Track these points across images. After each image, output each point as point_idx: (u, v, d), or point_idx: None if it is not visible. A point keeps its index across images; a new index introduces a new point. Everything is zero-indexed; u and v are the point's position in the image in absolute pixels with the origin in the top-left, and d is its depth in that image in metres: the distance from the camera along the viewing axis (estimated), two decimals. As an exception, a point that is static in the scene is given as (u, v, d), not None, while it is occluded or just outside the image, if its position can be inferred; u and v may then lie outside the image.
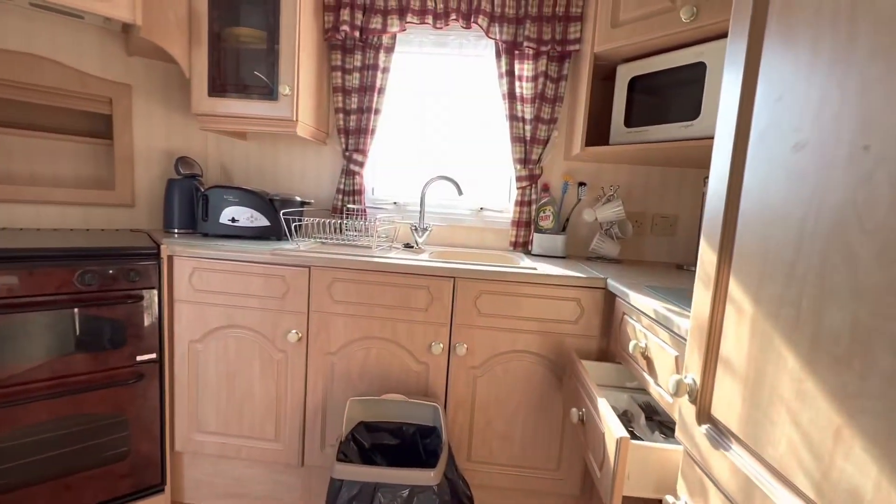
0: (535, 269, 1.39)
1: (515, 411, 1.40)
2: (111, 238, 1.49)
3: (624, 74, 1.53)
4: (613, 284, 1.26)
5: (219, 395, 1.46)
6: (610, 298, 1.34)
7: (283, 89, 1.58)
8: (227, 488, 1.53)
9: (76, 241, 1.35)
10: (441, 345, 1.37)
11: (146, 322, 1.38)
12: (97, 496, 1.36)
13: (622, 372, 1.26)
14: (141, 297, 1.36)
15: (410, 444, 1.37)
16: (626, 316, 1.19)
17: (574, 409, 1.08)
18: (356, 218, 1.87)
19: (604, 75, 1.69)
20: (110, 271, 1.30)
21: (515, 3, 1.71)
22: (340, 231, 1.83)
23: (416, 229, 1.79)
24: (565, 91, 1.79)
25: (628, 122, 1.52)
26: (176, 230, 1.75)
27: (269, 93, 1.61)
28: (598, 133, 1.67)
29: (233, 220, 1.63)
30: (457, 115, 1.95)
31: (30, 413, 1.23)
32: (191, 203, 1.74)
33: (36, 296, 1.20)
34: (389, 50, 1.81)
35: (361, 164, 1.87)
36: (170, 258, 1.41)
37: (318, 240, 1.76)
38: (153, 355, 1.41)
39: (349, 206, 1.88)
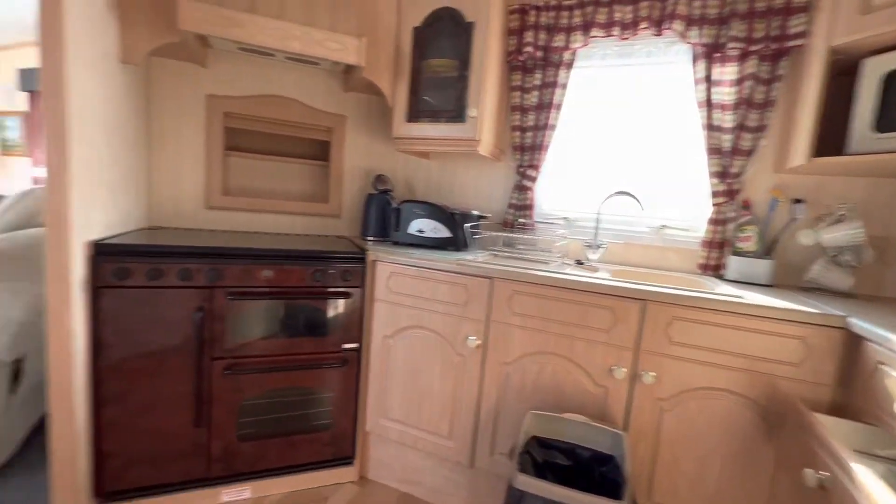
0: (740, 297, 1.23)
1: (710, 455, 1.25)
2: (328, 243, 1.80)
3: (874, 70, 1.26)
4: (862, 325, 1.03)
5: (404, 387, 1.63)
6: (852, 341, 1.10)
7: (471, 112, 1.71)
8: (404, 474, 1.69)
9: (313, 246, 1.65)
10: (624, 370, 1.30)
11: (352, 316, 1.63)
12: (309, 456, 1.63)
13: (873, 435, 1.02)
14: (350, 294, 1.61)
15: (584, 469, 1.32)
16: (883, 367, 0.96)
17: (810, 471, 0.91)
18: (528, 232, 1.91)
19: (837, 72, 1.41)
20: (331, 271, 1.57)
21: (719, 2, 1.56)
22: (512, 245, 1.89)
23: (589, 246, 1.74)
24: (778, 94, 1.55)
25: (879, 127, 1.24)
26: (371, 237, 2.02)
27: (457, 116, 1.76)
28: (824, 140, 1.40)
29: (420, 231, 1.81)
30: (638, 128, 1.84)
31: (268, 380, 1.54)
32: (383, 214, 2.00)
33: (283, 286, 1.51)
34: (569, 66, 1.81)
35: (534, 180, 1.90)
36: (373, 262, 1.63)
37: (492, 252, 1.84)
38: (355, 344, 1.64)
39: (521, 220, 1.93)
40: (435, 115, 1.83)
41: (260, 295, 1.48)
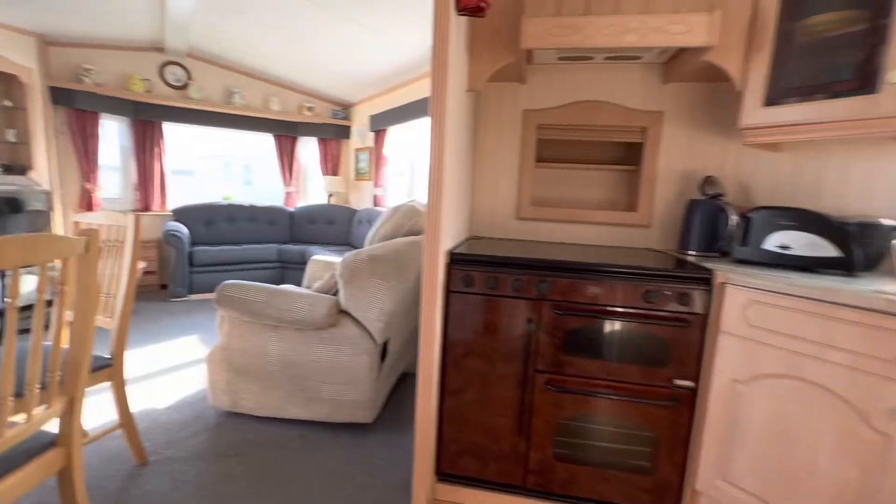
0: None
1: None
2: (658, 260, 1.58)
3: None
4: None
5: (761, 451, 1.25)
6: None
7: (892, 77, 1.17)
8: (752, 562, 1.31)
9: (643, 261, 1.47)
10: None
11: (687, 348, 1.35)
12: (623, 498, 1.45)
13: None
14: (687, 322, 1.34)
15: None
16: None
17: None
18: None
19: None
20: (666, 292, 1.34)
21: None
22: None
23: None
24: None
25: None
26: (693, 251, 1.69)
27: (862, 86, 1.24)
28: None
29: (783, 246, 1.37)
30: None
31: (586, 403, 1.43)
32: (713, 224, 1.63)
33: (610, 305, 1.38)
34: None
35: None
36: (721, 285, 1.31)
37: (916, 281, 1.23)
38: (690, 383, 1.36)
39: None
40: (812, 92, 1.36)
41: (586, 312, 1.39)
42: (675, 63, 1.70)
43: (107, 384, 1.58)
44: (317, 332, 1.87)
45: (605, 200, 1.99)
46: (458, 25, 1.40)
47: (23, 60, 3.53)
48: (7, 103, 3.53)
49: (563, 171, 2.00)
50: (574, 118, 1.91)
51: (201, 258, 4.12)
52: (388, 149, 4.57)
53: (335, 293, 1.98)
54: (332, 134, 5.30)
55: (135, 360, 2.67)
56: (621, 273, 1.36)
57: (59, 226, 3.84)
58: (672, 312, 1.35)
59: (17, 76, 3.49)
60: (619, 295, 1.37)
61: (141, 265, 3.70)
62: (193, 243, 4.37)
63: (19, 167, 3.60)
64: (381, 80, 4.33)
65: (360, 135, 5.13)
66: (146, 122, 4.39)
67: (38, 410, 0.94)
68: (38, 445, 0.98)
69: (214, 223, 4.60)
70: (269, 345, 1.91)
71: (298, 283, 4.56)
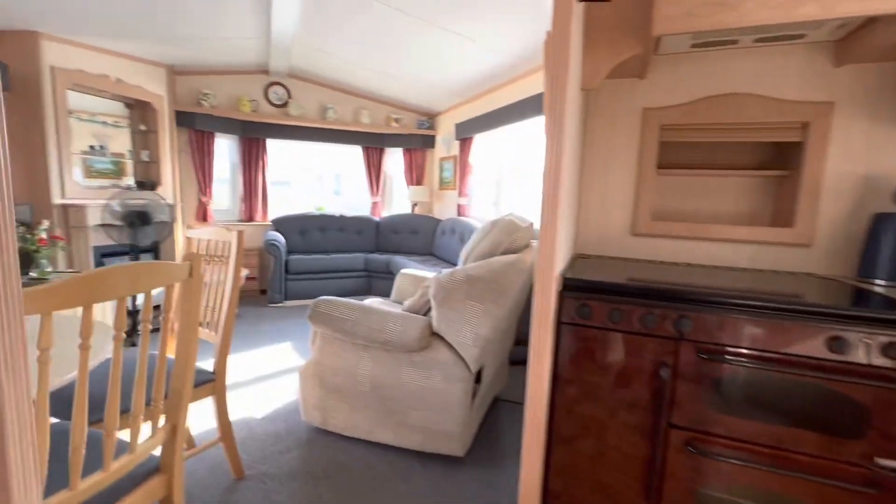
0: None
1: None
2: (823, 289, 1.23)
3: None
4: None
5: None
6: None
7: None
8: None
9: (824, 297, 1.15)
10: None
11: (896, 415, 1.00)
12: None
13: None
14: (897, 381, 0.99)
15: None
16: None
17: None
18: None
19: None
20: (865, 340, 1.01)
21: None
22: None
23: None
24: None
25: None
26: (883, 281, 1.30)
27: None
28: None
29: None
30: None
31: (741, 474, 1.13)
32: (916, 246, 1.24)
33: (776, 352, 1.08)
34: None
35: None
36: (957, 335, 0.95)
37: None
38: (901, 464, 1.01)
39: None
40: None
41: (743, 359, 1.10)
42: (857, 38, 1.33)
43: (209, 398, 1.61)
44: (407, 354, 1.76)
45: (743, 213, 1.64)
46: (577, 15, 1.20)
47: (156, 89, 3.99)
48: (143, 127, 4.02)
49: (691, 178, 1.69)
50: (707, 116, 1.60)
51: (296, 266, 4.33)
52: (473, 157, 4.46)
53: (426, 313, 1.87)
54: (417, 144, 5.33)
55: (234, 365, 2.81)
56: (797, 311, 1.05)
57: (179, 236, 4.27)
58: (874, 368, 1.01)
59: (151, 103, 3.96)
60: (792, 339, 1.06)
61: (244, 272, 3.98)
62: (289, 251, 4.61)
63: (150, 183, 4.07)
64: (468, 88, 4.24)
65: (445, 144, 5.08)
66: (252, 139, 4.75)
67: (141, 440, 0.91)
68: (142, 473, 0.96)
69: (308, 232, 4.83)
70: (359, 364, 1.85)
71: (385, 294, 4.61)
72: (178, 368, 0.99)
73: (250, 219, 4.89)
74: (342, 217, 5.03)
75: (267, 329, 3.58)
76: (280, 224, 4.74)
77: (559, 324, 1.26)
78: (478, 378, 1.83)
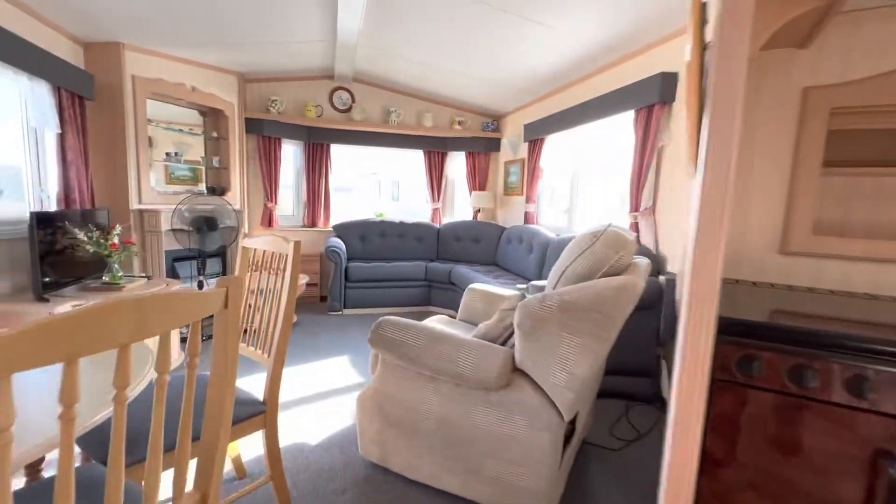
0: None
1: None
2: None
3: None
4: None
5: None
6: None
7: None
8: None
9: None
10: None
11: None
12: None
13: None
14: None
15: None
16: None
17: None
18: None
19: None
20: None
21: None
22: None
23: None
24: None
25: None
26: None
27: None
28: None
29: None
30: None
31: None
32: None
33: None
34: None
35: None
36: None
37: None
38: None
39: None
40: None
41: None
42: None
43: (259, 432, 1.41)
44: (483, 391, 1.47)
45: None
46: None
47: (227, 97, 4.05)
48: (214, 134, 4.10)
49: (878, 178, 1.25)
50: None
51: (355, 274, 4.20)
52: (544, 160, 4.10)
53: (506, 341, 1.57)
54: (482, 147, 5.05)
55: (288, 379, 2.67)
56: None
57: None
58: None
59: (223, 110, 4.02)
60: None
61: (303, 279, 3.91)
62: (349, 258, 4.51)
63: (220, 189, 4.13)
64: (541, 84, 3.90)
65: (512, 146, 4.76)
66: (317, 144, 4.73)
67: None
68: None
69: (368, 239, 4.71)
70: (425, 397, 1.58)
71: (445, 304, 4.36)
72: (210, 427, 0.77)
73: (313, 224, 4.86)
74: (402, 223, 4.86)
75: (325, 340, 3.45)
76: (341, 230, 4.66)
77: (712, 380, 0.91)
78: (573, 427, 1.49)
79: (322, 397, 2.46)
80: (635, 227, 2.77)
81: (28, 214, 2.18)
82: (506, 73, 3.76)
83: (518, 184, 4.68)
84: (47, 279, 2.29)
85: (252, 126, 4.33)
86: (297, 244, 1.43)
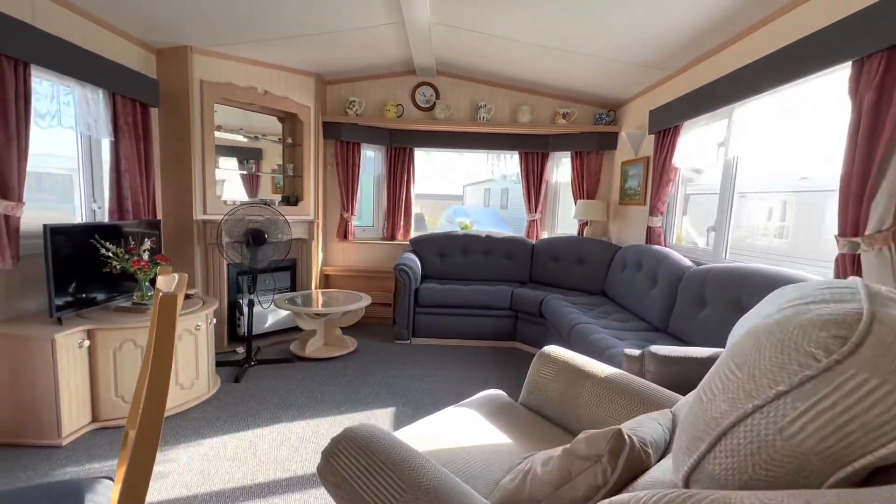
0: None
1: None
2: None
3: None
4: None
5: None
6: None
7: None
8: None
9: None
10: None
11: None
12: None
13: None
14: None
15: None
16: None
17: None
18: None
19: None
20: None
21: None
22: None
23: None
24: None
25: None
26: None
27: None
28: None
29: None
30: None
31: None
32: None
33: None
34: None
35: None
36: None
37: None
38: None
39: None
40: None
41: None
42: None
43: None
44: None
45: None
46: None
47: (303, 100, 3.79)
48: (290, 141, 3.87)
49: None
50: None
51: (426, 297, 3.57)
52: (679, 156, 2.96)
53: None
54: (593, 144, 4.03)
55: (311, 432, 2.10)
56: None
57: (317, 255, 4.00)
58: None
59: (298, 115, 3.77)
60: None
61: (366, 300, 3.38)
62: (425, 277, 3.91)
63: (294, 198, 3.89)
64: (676, 53, 2.80)
65: (633, 141, 3.67)
66: (398, 149, 4.27)
67: None
68: None
69: (448, 255, 4.06)
70: None
71: (535, 341, 3.46)
72: None
73: (392, 237, 4.40)
74: (489, 238, 4.10)
75: (375, 379, 2.86)
76: (418, 244, 4.10)
77: None
78: None
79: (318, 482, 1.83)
80: (850, 264, 1.59)
81: (42, 227, 1.99)
82: (627, 41, 2.77)
83: (639, 190, 3.57)
84: (68, 299, 2.09)
85: (330, 131, 4.02)
86: (168, 300, 0.79)
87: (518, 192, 4.45)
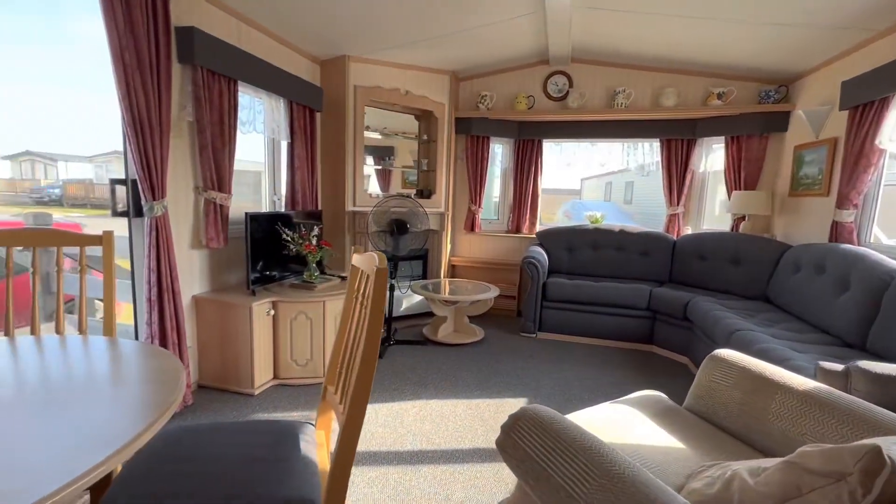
0: None
1: None
2: None
3: None
4: None
5: None
6: None
7: None
8: None
9: None
10: None
11: None
12: None
13: None
14: None
15: None
16: None
17: None
18: None
19: None
20: None
21: None
22: None
23: None
24: None
25: None
26: None
27: None
28: None
29: None
30: None
31: None
32: None
33: None
34: None
35: None
36: None
37: None
38: None
39: None
40: None
41: None
42: None
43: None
44: None
45: None
46: None
47: (438, 97, 3.98)
48: (425, 137, 4.10)
49: None
50: None
51: (554, 292, 3.50)
52: (885, 136, 2.41)
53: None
54: (755, 127, 3.50)
55: (436, 414, 2.22)
56: None
57: (446, 246, 4.19)
58: None
59: (433, 112, 3.97)
60: None
61: (495, 290, 3.45)
62: (552, 271, 3.84)
63: (427, 192, 4.12)
64: (886, 5, 2.28)
65: (813, 121, 3.09)
66: (527, 141, 4.24)
67: None
68: None
69: (576, 250, 3.91)
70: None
71: (675, 347, 3.17)
72: None
73: (517, 230, 4.40)
74: (622, 232, 3.85)
75: (505, 368, 2.91)
76: (545, 238, 4.03)
77: None
78: None
79: (463, 458, 1.91)
80: None
81: (243, 214, 2.42)
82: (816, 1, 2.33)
83: (819, 178, 3.00)
84: (257, 275, 2.52)
85: (461, 126, 4.16)
86: (382, 271, 0.91)
87: (645, 185, 4.10)
